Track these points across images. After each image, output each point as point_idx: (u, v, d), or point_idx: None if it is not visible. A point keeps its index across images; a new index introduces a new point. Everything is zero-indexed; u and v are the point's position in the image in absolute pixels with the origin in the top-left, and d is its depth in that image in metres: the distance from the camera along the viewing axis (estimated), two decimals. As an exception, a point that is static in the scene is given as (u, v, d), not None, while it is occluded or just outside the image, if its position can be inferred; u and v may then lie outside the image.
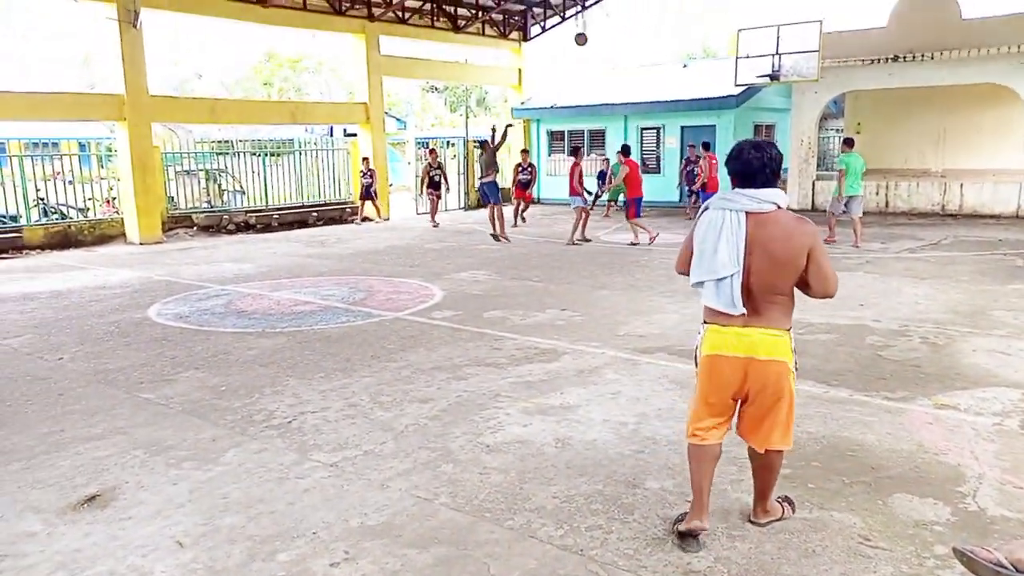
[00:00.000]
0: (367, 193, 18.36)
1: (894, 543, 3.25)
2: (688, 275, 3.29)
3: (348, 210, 19.21)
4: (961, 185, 16.58)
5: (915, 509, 3.54)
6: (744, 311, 3.07)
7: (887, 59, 16.77)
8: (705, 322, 3.25)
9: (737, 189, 3.14)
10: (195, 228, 16.67)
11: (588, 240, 13.77)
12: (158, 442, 4.56)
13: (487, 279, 10.08)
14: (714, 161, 16.05)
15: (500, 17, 21.99)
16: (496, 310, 8.10)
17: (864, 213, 12.58)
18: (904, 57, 16.55)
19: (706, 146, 16.23)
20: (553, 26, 23.10)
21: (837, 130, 23.89)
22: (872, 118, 20.87)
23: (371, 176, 18.32)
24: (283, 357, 6.42)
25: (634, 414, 4.87)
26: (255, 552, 3.28)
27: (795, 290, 3.17)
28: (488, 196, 14.00)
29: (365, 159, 18.71)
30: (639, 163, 16.22)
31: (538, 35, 23.32)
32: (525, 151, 18.54)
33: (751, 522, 3.43)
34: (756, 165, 3.09)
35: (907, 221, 15.89)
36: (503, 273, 10.50)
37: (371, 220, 18.56)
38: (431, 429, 4.69)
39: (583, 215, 13.74)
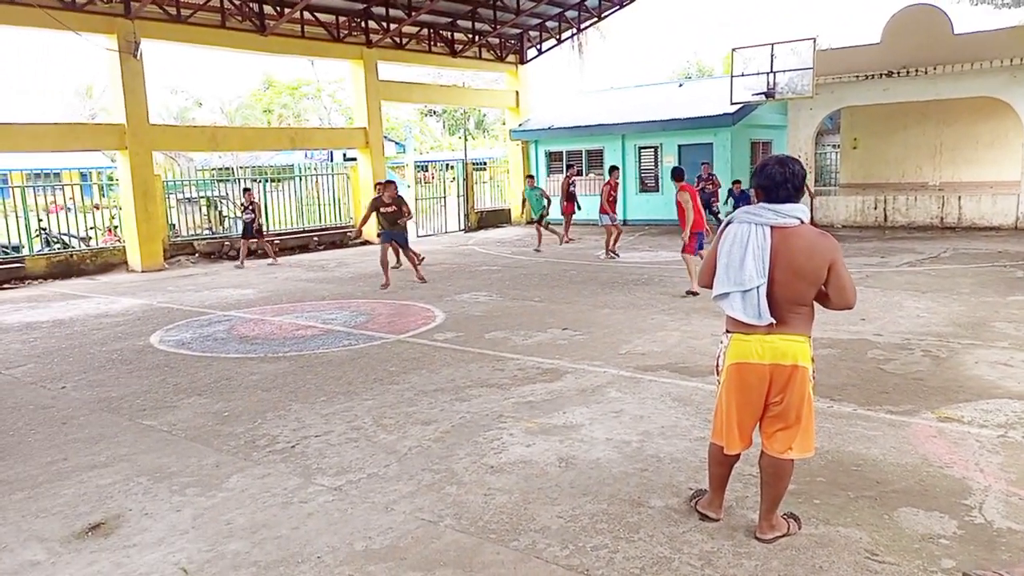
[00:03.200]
0: (248, 231, 15.60)
1: (901, 557, 3.23)
2: (711, 288, 3.36)
3: (349, 234, 19.28)
4: (959, 198, 16.64)
5: (921, 523, 3.53)
6: (772, 321, 3.16)
7: (881, 75, 16.90)
8: (728, 331, 3.34)
9: (762, 204, 3.23)
10: (197, 255, 16.72)
11: (617, 256, 14.08)
12: (161, 469, 4.56)
13: (488, 300, 10.10)
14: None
15: (497, 41, 22.21)
16: (498, 331, 8.11)
17: (863, 228, 12.60)
18: (898, 72, 16.68)
19: (679, 175, 11.16)
20: (549, 48, 23.33)
21: (834, 146, 24.02)
22: (868, 133, 20.99)
23: (253, 211, 15.49)
24: (286, 382, 6.43)
25: (637, 432, 4.86)
26: (260, 578, 3.27)
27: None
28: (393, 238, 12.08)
29: (247, 191, 15.94)
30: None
31: (534, 58, 23.54)
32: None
33: (757, 538, 3.42)
34: (779, 179, 3.18)
35: (906, 235, 15.92)
36: (504, 293, 10.52)
37: (273, 261, 15.73)
38: (435, 451, 4.68)
39: (616, 231, 14.28)
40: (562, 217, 17.29)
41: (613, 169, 14.62)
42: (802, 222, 3.19)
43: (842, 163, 22.69)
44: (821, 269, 3.16)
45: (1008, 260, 11.65)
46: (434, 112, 48.02)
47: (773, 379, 3.23)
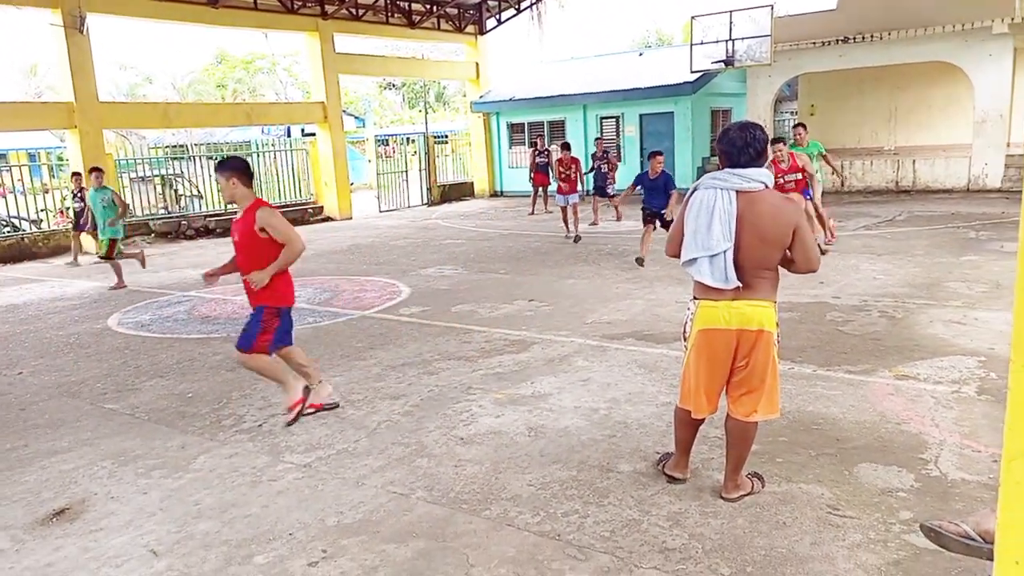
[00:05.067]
0: (79, 223, 12.83)
1: (861, 511, 3.33)
2: (679, 256, 3.38)
3: (310, 210, 19.03)
4: (914, 162, 16.96)
5: (880, 477, 3.64)
6: (739, 284, 3.20)
7: (837, 41, 17.05)
8: (695, 298, 3.37)
9: (726, 169, 3.25)
10: (153, 235, 16.38)
11: (577, 238, 12.31)
12: (126, 452, 4.49)
13: (453, 274, 10.07)
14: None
15: (455, 11, 21.91)
16: (464, 304, 8.10)
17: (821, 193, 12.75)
18: (853, 38, 16.84)
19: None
20: (509, 18, 23.08)
21: (792, 112, 24.24)
22: (825, 99, 21.21)
23: (82, 199, 12.35)
24: (250, 361, 6.34)
25: (605, 400, 4.91)
26: (231, 556, 3.26)
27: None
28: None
29: (76, 175, 13.25)
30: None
31: (494, 28, 23.28)
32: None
33: (723, 498, 3.50)
34: (740, 144, 3.21)
35: (863, 199, 16.22)
36: (469, 267, 10.50)
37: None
38: (404, 425, 4.69)
39: (573, 213, 12.55)
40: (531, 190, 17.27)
41: (565, 147, 14.03)
42: (766, 186, 3.23)
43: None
44: (786, 233, 3.20)
45: (961, 221, 11.94)
46: (393, 85, 47.39)
47: (739, 344, 3.28)
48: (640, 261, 9.46)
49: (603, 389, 5.13)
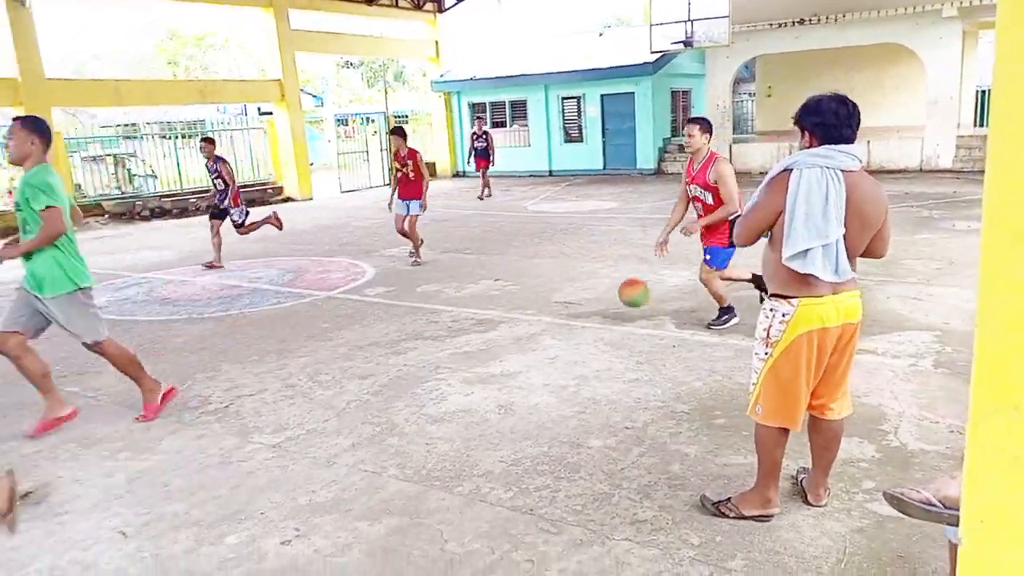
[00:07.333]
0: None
1: (825, 480, 3.43)
2: (750, 244, 3.08)
3: (270, 191, 18.71)
4: (868, 142, 17.30)
5: (842, 448, 3.70)
6: (852, 276, 2.91)
7: (794, 23, 17.28)
8: (787, 297, 2.93)
9: (829, 146, 2.85)
10: (106, 216, 15.96)
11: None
12: (89, 435, 4.41)
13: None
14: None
15: (414, -12, 21.63)
16: (429, 284, 8.07)
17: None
18: (809, 20, 17.08)
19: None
20: (468, -4, 22.86)
21: (750, 94, 24.53)
22: (782, 80, 21.50)
23: None
24: (213, 343, 6.26)
25: (573, 377, 4.96)
26: (202, 537, 3.23)
27: None
28: None
29: None
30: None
31: (453, 5, 23.04)
32: (479, 118, 18.05)
33: (814, 505, 3.22)
34: (844, 116, 2.85)
35: (819, 179, 16.49)
36: (434, 247, 10.45)
37: None
38: (373, 404, 4.67)
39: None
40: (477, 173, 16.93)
41: (396, 132, 9.42)
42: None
43: (758, 111, 23.23)
44: (883, 215, 2.92)
45: (914, 200, 12.25)
46: (351, 64, 46.62)
47: (840, 340, 2.97)
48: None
49: (571, 367, 5.17)
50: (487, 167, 16.69)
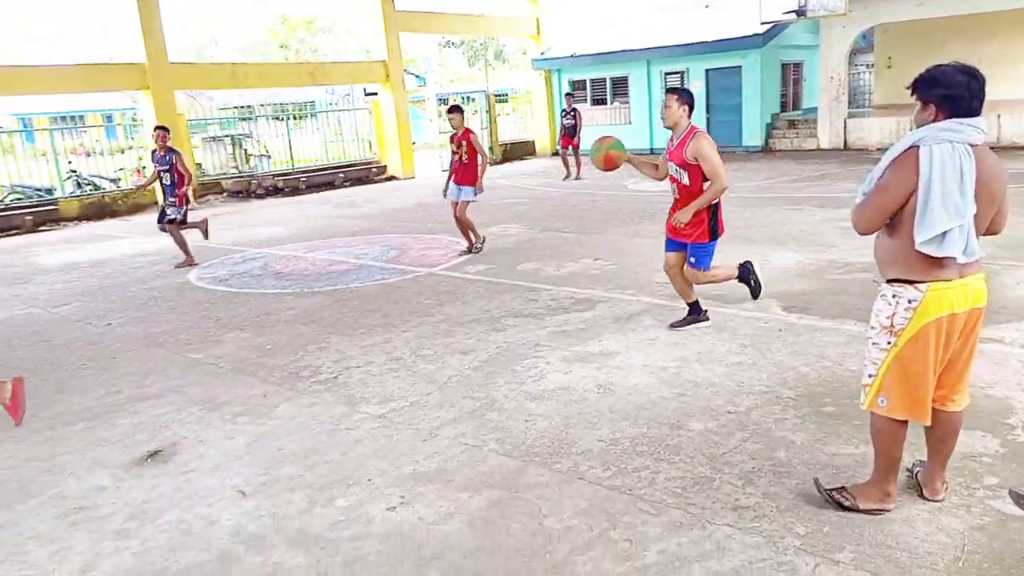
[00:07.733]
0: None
1: (942, 474, 3.26)
2: (871, 232, 2.87)
3: (374, 169, 19.24)
4: (999, 116, 16.10)
5: (963, 442, 3.52)
6: (978, 256, 2.73)
7: (918, -11, 16.20)
8: (914, 282, 2.76)
9: (955, 119, 2.68)
10: (225, 194, 16.84)
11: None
12: (212, 399, 4.70)
13: (518, 232, 10.09)
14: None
15: (517, -35, 21.57)
16: (529, 262, 8.13)
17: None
18: (936, -14, 15.98)
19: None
20: (571, -28, 22.60)
21: (868, 65, 23.24)
22: (903, 51, 20.22)
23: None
24: (323, 315, 6.53)
25: (673, 358, 4.90)
26: (315, 499, 3.41)
27: None
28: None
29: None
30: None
31: (556, -18, 22.85)
32: (569, 95, 17.75)
33: (931, 500, 3.07)
34: (975, 88, 2.70)
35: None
36: (533, 226, 10.50)
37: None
38: (474, 379, 4.77)
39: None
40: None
41: (454, 109, 8.86)
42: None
43: (876, 83, 21.98)
44: (1005, 191, 2.78)
45: (1049, 180, 11.33)
46: (453, 43, 47.10)
47: (964, 325, 2.81)
48: None
49: (671, 348, 5.11)
50: (571, 146, 16.10)
